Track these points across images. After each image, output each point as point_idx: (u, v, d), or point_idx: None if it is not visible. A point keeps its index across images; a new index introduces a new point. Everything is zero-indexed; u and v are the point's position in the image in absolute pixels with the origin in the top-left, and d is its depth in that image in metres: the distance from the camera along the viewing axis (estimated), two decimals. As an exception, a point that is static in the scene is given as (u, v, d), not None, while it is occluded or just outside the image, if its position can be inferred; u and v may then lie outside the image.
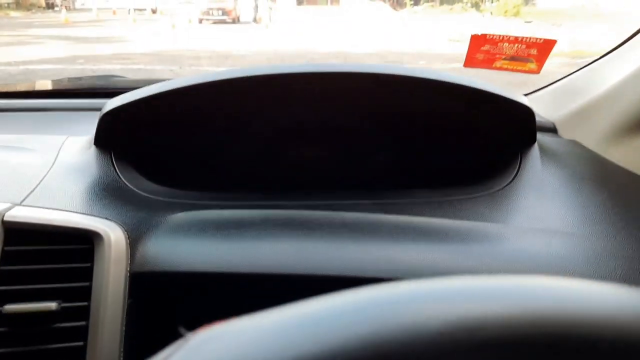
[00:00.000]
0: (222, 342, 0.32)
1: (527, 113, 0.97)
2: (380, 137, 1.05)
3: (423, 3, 26.97)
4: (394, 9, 23.79)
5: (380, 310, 0.32)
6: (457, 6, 23.34)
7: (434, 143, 1.05)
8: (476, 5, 23.32)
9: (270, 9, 17.79)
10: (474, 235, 0.81)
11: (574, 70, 1.25)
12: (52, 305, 0.70)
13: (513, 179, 0.94)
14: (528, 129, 0.99)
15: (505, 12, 19.56)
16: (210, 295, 0.78)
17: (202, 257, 0.76)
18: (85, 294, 0.73)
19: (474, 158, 1.02)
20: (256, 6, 18.74)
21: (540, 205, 0.88)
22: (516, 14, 19.32)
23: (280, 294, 0.80)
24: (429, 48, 11.29)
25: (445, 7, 24.03)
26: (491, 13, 20.44)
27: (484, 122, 1.02)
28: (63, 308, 0.71)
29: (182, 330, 0.75)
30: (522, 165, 0.96)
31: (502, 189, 0.93)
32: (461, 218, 0.86)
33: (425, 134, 1.05)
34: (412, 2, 26.91)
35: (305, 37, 13.54)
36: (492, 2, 23.50)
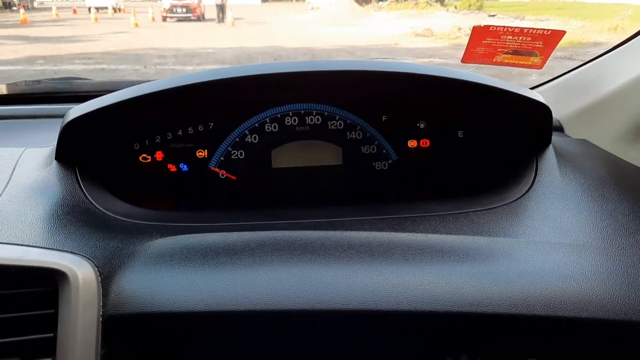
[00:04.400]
0: None
1: (543, 112, 0.88)
2: (384, 142, 0.96)
3: (388, -2, 27.10)
4: (360, 4, 23.83)
5: None
6: (422, 1, 23.51)
7: (443, 148, 0.96)
8: (440, 0, 23.51)
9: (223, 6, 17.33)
10: (498, 254, 0.71)
11: (579, 64, 1.17)
12: (8, 364, 0.57)
13: (531, 185, 0.85)
14: (544, 129, 0.90)
15: (469, 5, 19.76)
16: (201, 338, 0.66)
17: (189, 293, 0.64)
18: (49, 347, 0.60)
19: (487, 164, 0.93)
20: (221, 5, 18.31)
21: (564, 215, 0.79)
22: (480, 7, 19.55)
23: (283, 333, 0.70)
24: (395, 43, 11.28)
25: (410, 1, 24.17)
26: (455, 7, 20.62)
27: (497, 123, 0.92)
28: None
29: None
30: (539, 170, 0.87)
31: (521, 197, 0.83)
32: (480, 233, 0.76)
33: (433, 138, 0.96)
34: (377, -3, 27.02)
35: (272, 33, 13.40)
36: (455, -5, 23.75)
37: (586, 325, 0.65)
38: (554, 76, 1.23)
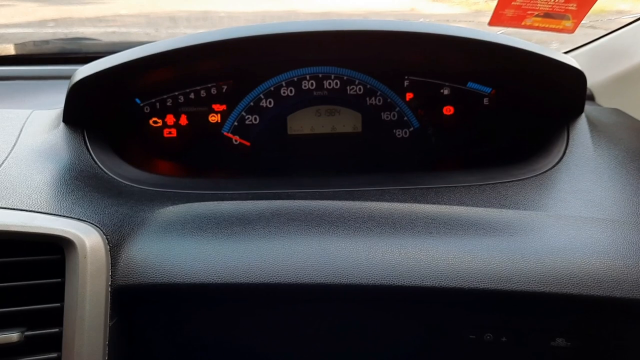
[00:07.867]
0: None
1: (577, 77, 0.83)
2: (405, 109, 0.91)
3: (404, -39, 26.45)
4: (375, -33, 23.29)
5: None
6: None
7: (468, 116, 0.91)
8: (458, -37, 22.92)
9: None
10: (527, 228, 0.67)
11: (611, 30, 1.11)
12: (14, 335, 0.55)
13: (562, 156, 0.80)
14: (578, 96, 0.85)
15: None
16: (212, 310, 0.64)
17: (201, 264, 0.61)
18: (56, 317, 0.58)
19: (515, 133, 0.88)
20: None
21: (597, 188, 0.75)
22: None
23: (299, 308, 0.67)
24: (411, 8, 11.04)
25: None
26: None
27: (527, 89, 0.87)
28: (28, 338, 0.56)
29: None
30: (570, 140, 0.82)
31: (551, 169, 0.79)
32: (507, 205, 0.72)
33: (457, 105, 0.91)
34: (393, -39, 26.37)
35: (285, -2, 13.19)
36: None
37: (619, 306, 0.62)
38: (577, 44, 1.17)
